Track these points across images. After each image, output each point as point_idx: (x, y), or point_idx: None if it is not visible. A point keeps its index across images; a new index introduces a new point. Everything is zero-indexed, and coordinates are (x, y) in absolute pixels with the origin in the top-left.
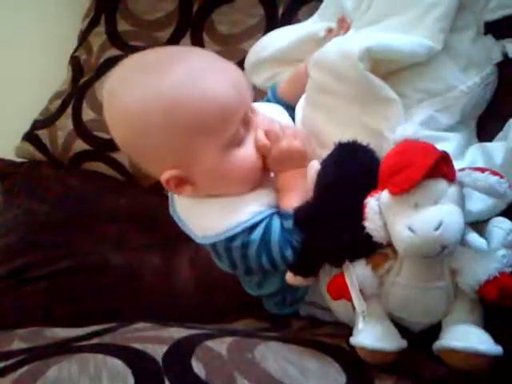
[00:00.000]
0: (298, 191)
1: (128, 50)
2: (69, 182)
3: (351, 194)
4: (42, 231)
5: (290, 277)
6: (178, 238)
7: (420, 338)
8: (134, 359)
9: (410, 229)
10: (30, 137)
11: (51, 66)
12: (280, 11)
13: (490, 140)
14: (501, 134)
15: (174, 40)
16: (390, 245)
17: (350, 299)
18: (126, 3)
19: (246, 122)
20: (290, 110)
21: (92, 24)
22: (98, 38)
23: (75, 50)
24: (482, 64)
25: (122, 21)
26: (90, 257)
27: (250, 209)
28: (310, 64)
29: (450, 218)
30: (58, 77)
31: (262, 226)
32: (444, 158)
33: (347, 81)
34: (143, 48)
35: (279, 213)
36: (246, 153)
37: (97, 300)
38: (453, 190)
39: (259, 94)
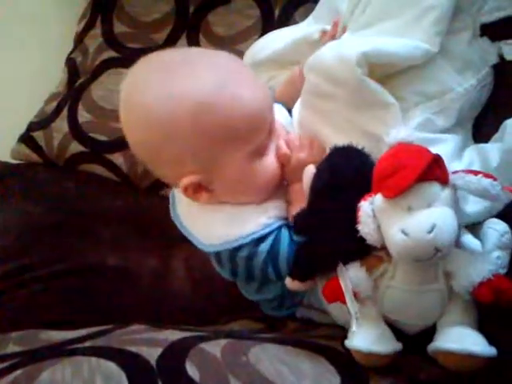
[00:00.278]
0: None
1: (124, 51)
2: (65, 183)
3: (346, 197)
4: (37, 233)
5: (288, 281)
6: (175, 239)
7: (415, 341)
8: (128, 362)
9: (404, 232)
10: (26, 139)
11: (47, 68)
12: (276, 12)
13: (486, 141)
14: (496, 136)
15: (170, 41)
16: (384, 248)
17: (344, 302)
18: (122, 5)
19: (270, 131)
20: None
21: (88, 25)
22: (94, 39)
23: (71, 52)
24: (479, 66)
25: (118, 22)
26: (86, 258)
27: (259, 220)
28: (305, 68)
29: (443, 220)
30: (54, 79)
31: (271, 238)
32: (437, 161)
33: (344, 85)
34: (140, 50)
35: (288, 225)
36: (269, 162)
37: (93, 302)
38: (446, 192)
39: None
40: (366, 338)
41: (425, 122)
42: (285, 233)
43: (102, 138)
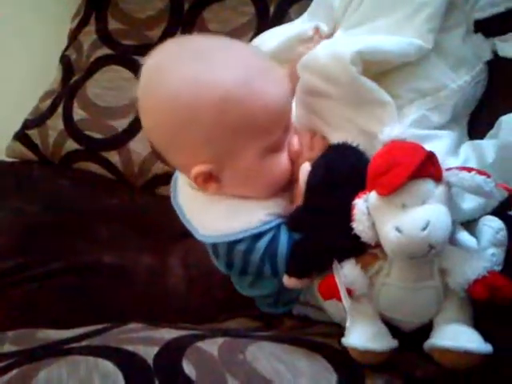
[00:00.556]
0: None
1: (119, 48)
2: (60, 181)
3: (341, 194)
4: (32, 231)
5: (285, 278)
6: (171, 237)
7: (411, 338)
8: (125, 361)
9: (398, 229)
10: (21, 136)
11: (41, 66)
12: (271, 10)
13: (481, 138)
14: (492, 132)
15: (165, 38)
16: (379, 245)
17: (340, 299)
18: (116, 1)
19: (287, 127)
20: None
21: (82, 22)
22: (89, 36)
23: (65, 49)
24: (473, 62)
25: (113, 19)
26: (82, 257)
27: (259, 217)
28: (299, 67)
29: (437, 217)
30: (49, 76)
31: (269, 235)
32: (430, 158)
33: (339, 84)
34: (134, 47)
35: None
36: (282, 158)
37: (89, 300)
38: (440, 190)
39: None
40: (361, 335)
41: (420, 119)
42: (284, 231)
43: (98, 135)
